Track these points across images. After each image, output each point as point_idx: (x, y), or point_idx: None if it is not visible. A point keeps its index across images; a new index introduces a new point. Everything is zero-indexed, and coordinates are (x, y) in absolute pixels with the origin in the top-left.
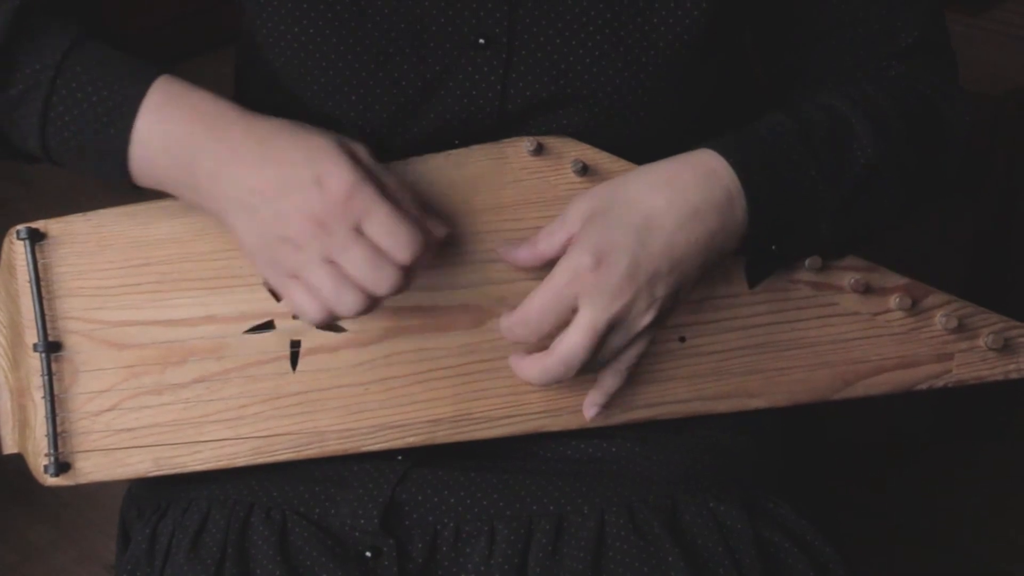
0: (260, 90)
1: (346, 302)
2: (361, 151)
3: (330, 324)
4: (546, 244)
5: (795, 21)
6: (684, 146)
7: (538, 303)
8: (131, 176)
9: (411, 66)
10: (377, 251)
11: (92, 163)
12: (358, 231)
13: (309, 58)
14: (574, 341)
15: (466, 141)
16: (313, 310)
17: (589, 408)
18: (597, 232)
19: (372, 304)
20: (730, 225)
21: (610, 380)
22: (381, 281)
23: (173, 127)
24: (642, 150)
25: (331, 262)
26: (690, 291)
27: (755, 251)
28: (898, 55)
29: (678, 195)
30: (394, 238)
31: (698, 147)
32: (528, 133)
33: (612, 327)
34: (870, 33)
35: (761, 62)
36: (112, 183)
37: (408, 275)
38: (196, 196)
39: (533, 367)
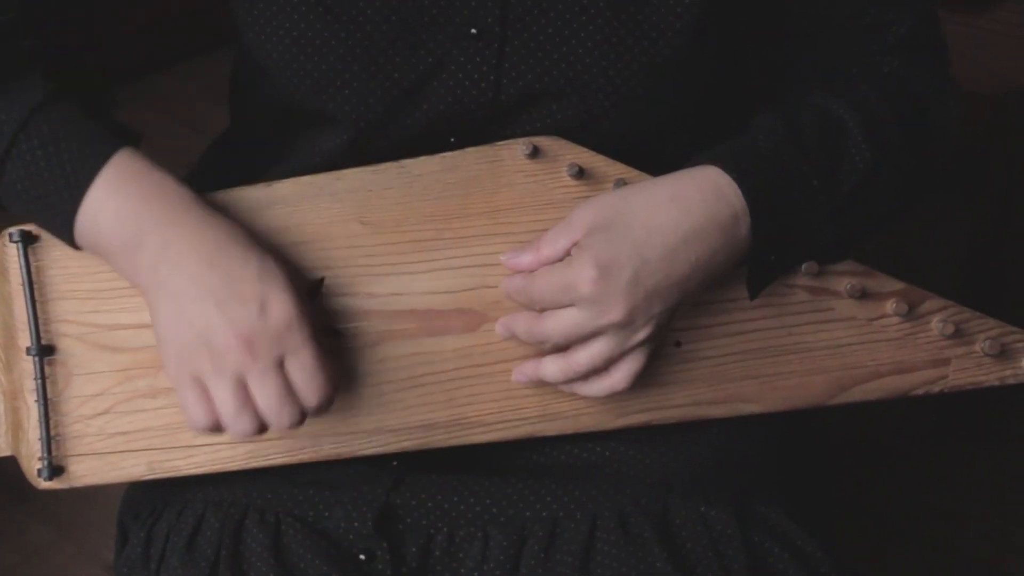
0: (252, 89)
1: (240, 425)
2: (301, 289)
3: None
4: (550, 249)
5: (786, 13)
6: (679, 144)
7: (541, 286)
8: (75, 237)
9: (403, 59)
10: (289, 389)
11: (39, 215)
12: (279, 363)
13: (301, 53)
14: (553, 322)
15: (458, 134)
16: (201, 419)
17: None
18: (601, 244)
19: (262, 431)
20: (733, 243)
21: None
22: (282, 417)
23: (126, 202)
24: (639, 146)
25: (241, 383)
26: (688, 307)
27: (756, 264)
28: (890, 50)
29: (683, 213)
30: (311, 384)
31: (693, 148)
32: (521, 126)
33: (598, 334)
34: (862, 27)
35: (754, 56)
36: (55, 236)
37: (305, 419)
38: (131, 269)
39: (519, 321)
